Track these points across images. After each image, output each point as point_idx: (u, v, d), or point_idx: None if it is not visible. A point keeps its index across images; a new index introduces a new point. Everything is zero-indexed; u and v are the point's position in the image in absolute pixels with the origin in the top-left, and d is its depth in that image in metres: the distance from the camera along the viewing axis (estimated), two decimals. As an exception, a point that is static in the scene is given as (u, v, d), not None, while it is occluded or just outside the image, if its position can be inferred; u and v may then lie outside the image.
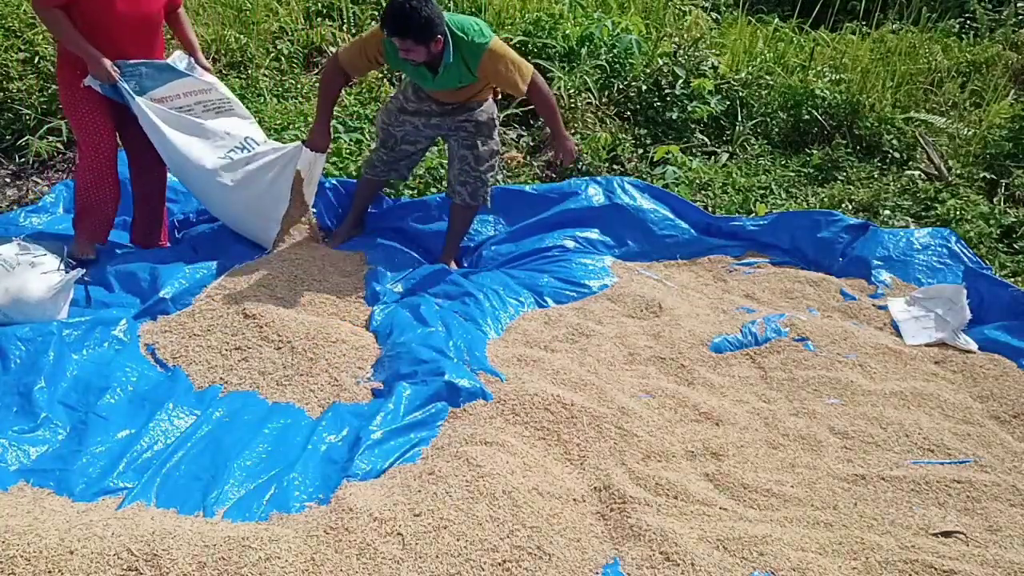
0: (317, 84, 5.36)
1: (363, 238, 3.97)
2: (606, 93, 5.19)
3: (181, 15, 3.60)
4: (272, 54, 5.52)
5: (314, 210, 3.91)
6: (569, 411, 2.69)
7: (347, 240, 3.92)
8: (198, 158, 3.48)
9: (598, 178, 4.27)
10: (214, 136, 3.55)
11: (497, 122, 3.77)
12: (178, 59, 3.57)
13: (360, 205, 4.02)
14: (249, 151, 3.58)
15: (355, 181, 4.16)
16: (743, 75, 5.54)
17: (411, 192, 4.38)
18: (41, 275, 3.15)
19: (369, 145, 4.53)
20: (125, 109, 3.43)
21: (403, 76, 3.86)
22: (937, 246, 3.89)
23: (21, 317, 3.06)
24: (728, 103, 5.36)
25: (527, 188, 4.24)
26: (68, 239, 3.52)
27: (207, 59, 5.19)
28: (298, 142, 3.68)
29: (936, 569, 2.21)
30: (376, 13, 5.90)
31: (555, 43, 5.30)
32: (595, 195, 4.13)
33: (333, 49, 5.62)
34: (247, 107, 4.93)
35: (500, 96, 3.70)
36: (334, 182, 4.15)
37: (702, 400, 2.92)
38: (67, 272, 3.21)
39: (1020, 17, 6.93)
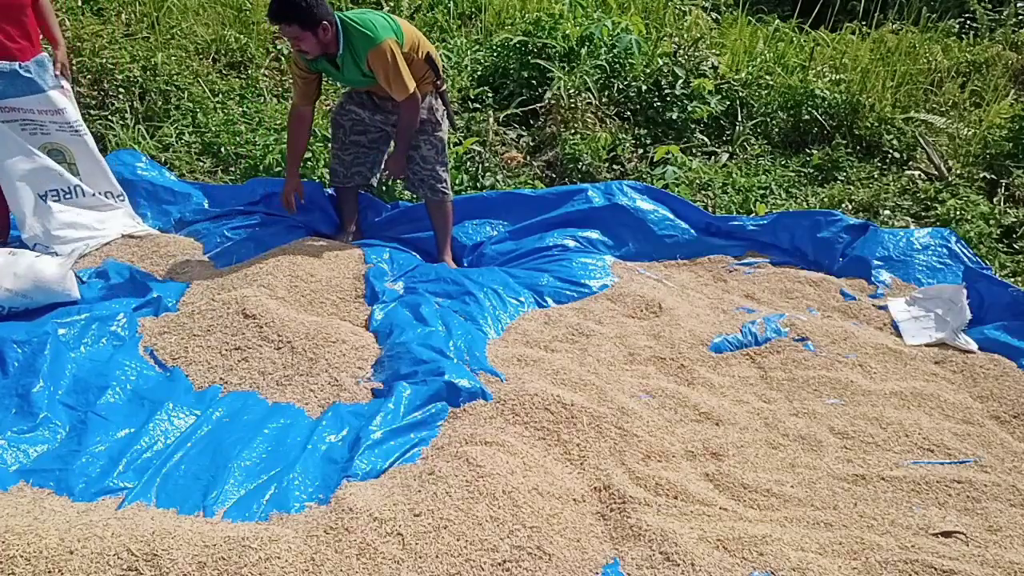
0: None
1: (363, 240, 3.97)
2: (606, 93, 5.19)
3: (42, 5, 3.48)
4: (272, 54, 5.52)
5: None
6: (569, 411, 2.69)
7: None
8: (17, 182, 3.49)
9: (597, 184, 4.28)
10: (44, 172, 3.56)
11: (439, 115, 3.79)
12: (43, 62, 3.51)
13: (347, 215, 4.03)
14: (69, 199, 3.63)
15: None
16: (743, 75, 5.54)
17: (411, 194, 4.38)
18: (38, 257, 3.18)
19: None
20: None
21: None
22: (937, 246, 3.89)
23: (43, 298, 3.13)
24: (728, 103, 5.36)
25: (527, 191, 4.24)
26: None
27: (207, 59, 5.18)
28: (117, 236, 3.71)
29: (936, 569, 2.21)
30: (376, 13, 5.89)
31: (555, 43, 5.30)
32: (595, 197, 4.14)
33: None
34: (247, 107, 4.95)
35: (441, 88, 3.78)
36: (331, 191, 4.15)
37: (702, 400, 2.92)
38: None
39: (1020, 17, 6.94)
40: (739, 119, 5.33)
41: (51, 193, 3.60)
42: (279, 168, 4.34)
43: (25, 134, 3.57)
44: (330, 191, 4.13)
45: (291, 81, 4.31)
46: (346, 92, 3.86)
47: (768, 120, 5.39)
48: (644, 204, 4.14)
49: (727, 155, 5.09)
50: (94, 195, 3.73)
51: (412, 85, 3.46)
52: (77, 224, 3.63)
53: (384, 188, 4.34)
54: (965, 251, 3.85)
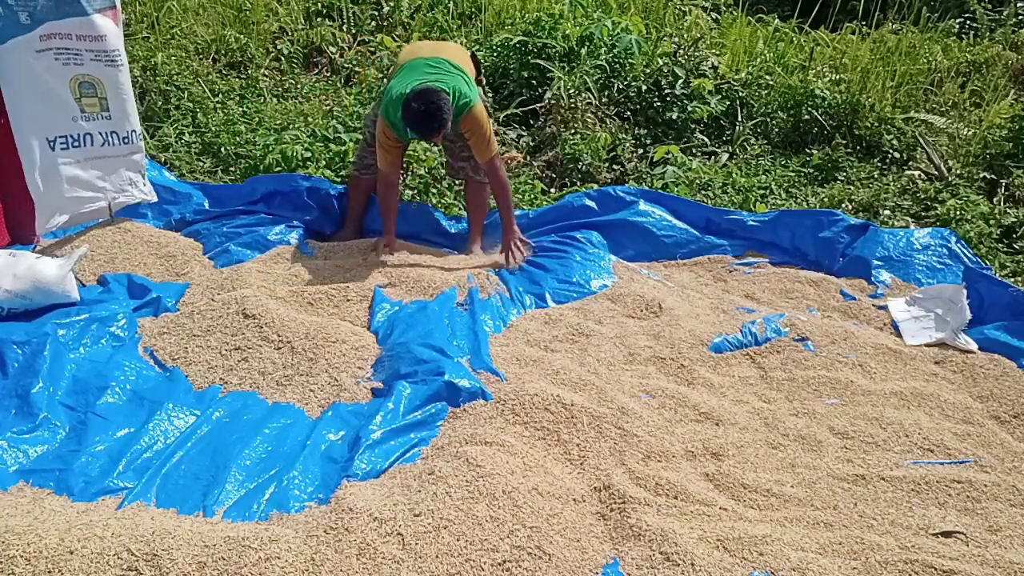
0: (316, 84, 5.39)
1: (362, 239, 3.97)
2: (606, 93, 5.19)
3: None
4: (272, 54, 5.53)
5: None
6: (569, 411, 2.69)
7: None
8: (29, 126, 3.37)
9: (591, 191, 4.29)
10: (58, 115, 3.44)
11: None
12: None
13: (357, 208, 4.03)
14: (77, 147, 3.53)
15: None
16: (743, 75, 5.55)
17: (411, 192, 4.38)
18: (38, 259, 3.17)
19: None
20: None
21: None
22: (937, 246, 3.89)
23: (43, 299, 3.12)
24: (728, 103, 5.36)
25: (528, 211, 4.25)
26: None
27: (207, 59, 5.17)
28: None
29: (936, 569, 2.21)
30: (375, 14, 5.90)
31: (555, 43, 5.30)
32: (593, 203, 4.16)
33: (333, 49, 5.63)
34: (247, 107, 4.95)
35: (485, 83, 3.91)
36: (339, 189, 4.15)
37: (702, 400, 2.92)
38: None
39: (1020, 17, 6.94)
40: (739, 119, 5.33)
41: (59, 140, 3.47)
42: (279, 168, 4.34)
43: (58, 65, 3.40)
44: (339, 188, 4.14)
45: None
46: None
47: (768, 120, 5.39)
48: (644, 206, 4.14)
49: (727, 155, 5.09)
50: (103, 144, 3.64)
51: (496, 148, 3.59)
52: (79, 180, 3.57)
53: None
54: (965, 251, 3.85)
